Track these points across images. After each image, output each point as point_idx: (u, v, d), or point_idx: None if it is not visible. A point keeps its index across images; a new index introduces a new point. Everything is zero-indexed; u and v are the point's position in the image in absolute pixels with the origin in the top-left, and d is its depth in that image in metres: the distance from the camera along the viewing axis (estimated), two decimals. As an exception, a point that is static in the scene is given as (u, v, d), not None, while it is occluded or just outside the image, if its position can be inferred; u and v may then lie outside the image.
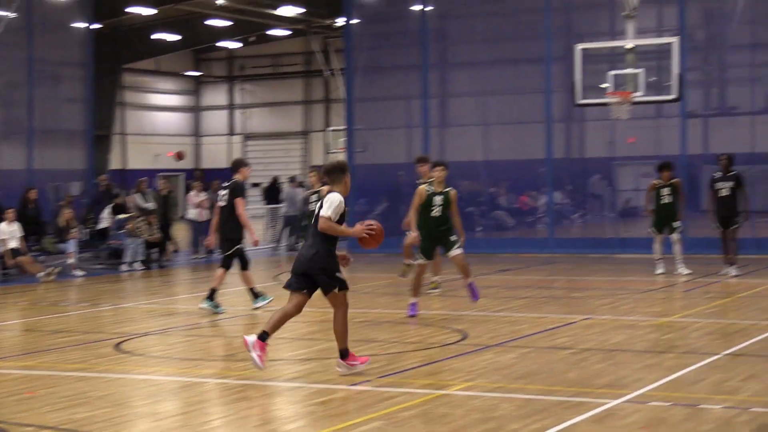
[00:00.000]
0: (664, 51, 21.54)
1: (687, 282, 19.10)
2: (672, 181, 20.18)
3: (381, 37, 29.57)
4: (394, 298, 17.76)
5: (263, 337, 10.88)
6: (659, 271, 20.28)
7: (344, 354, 10.90)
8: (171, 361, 12.18)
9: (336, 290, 10.83)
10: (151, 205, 25.36)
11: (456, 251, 15.02)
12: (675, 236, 20.20)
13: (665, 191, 20.14)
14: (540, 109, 26.58)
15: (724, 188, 19.77)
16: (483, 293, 17.63)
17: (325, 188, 11.09)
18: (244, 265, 16.28)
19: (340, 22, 38.49)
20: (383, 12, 29.60)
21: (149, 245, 24.64)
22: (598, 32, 27.83)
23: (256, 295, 16.31)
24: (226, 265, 16.13)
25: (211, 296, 16.03)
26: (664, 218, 20.23)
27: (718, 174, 19.92)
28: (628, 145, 27.82)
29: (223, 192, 16.12)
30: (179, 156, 50.96)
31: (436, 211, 15.06)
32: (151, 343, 13.63)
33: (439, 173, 15.03)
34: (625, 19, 21.46)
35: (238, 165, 16.30)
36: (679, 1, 25.30)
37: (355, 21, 29.10)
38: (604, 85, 21.90)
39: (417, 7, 28.31)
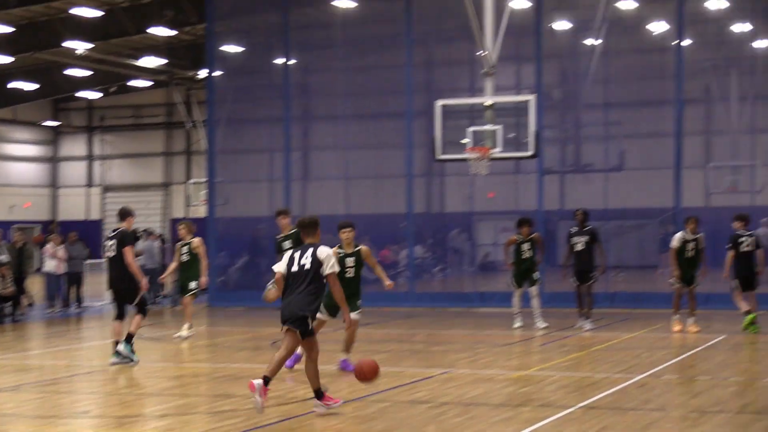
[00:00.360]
0: (521, 108, 21.99)
1: (543, 336, 19.45)
2: (532, 236, 20.59)
3: (244, 89, 29.58)
4: (253, 352, 17.64)
5: (266, 381, 11.40)
6: (517, 324, 20.58)
7: (319, 395, 11.65)
8: (23, 419, 11.86)
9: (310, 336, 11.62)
10: (4, 257, 24.73)
11: (355, 316, 14.96)
12: (534, 290, 20.58)
13: (525, 246, 20.54)
14: (401, 164, 26.89)
15: (580, 243, 20.26)
16: (340, 347, 17.66)
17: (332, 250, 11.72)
18: (121, 315, 16.02)
19: (203, 74, 38.39)
20: (246, 65, 29.64)
21: (2, 299, 24.01)
22: (459, 88, 28.38)
23: (118, 351, 15.93)
24: (143, 311, 16.00)
25: (128, 340, 15.78)
26: (524, 272, 20.59)
27: (575, 229, 20.41)
28: (487, 199, 28.33)
29: (110, 242, 15.94)
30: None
31: (348, 273, 15.06)
32: (2, 399, 13.24)
33: (347, 235, 15.01)
34: (484, 76, 21.91)
35: (125, 214, 16.17)
36: (536, 60, 25.97)
37: (217, 73, 29.07)
38: (463, 141, 22.25)
39: (280, 61, 28.43)
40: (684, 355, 15.91)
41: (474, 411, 11.82)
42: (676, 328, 19.11)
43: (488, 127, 21.79)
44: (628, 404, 12.18)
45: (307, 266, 11.51)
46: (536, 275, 20.59)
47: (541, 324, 20.35)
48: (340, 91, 28.40)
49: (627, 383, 13.54)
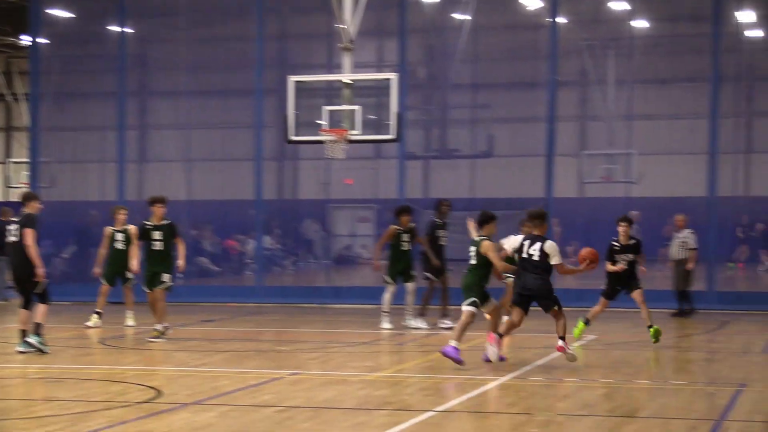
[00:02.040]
0: (383, 87, 22.08)
1: (401, 335, 19.62)
2: (411, 226, 20.53)
3: (73, 59, 29.05)
4: (79, 351, 17.39)
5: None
6: (386, 325, 20.28)
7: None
8: None
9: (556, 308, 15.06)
10: None
11: (159, 287, 17.30)
12: (411, 286, 20.53)
13: (405, 237, 20.46)
14: (249, 146, 26.77)
15: (444, 236, 20.45)
16: (181, 346, 17.58)
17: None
18: (27, 303, 16.58)
19: (26, 41, 37.52)
20: (77, 32, 29.09)
21: None
22: (314, 64, 28.40)
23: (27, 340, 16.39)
24: (45, 300, 16.62)
25: (37, 331, 16.39)
26: (402, 266, 20.49)
27: (439, 221, 20.58)
28: (344, 186, 28.42)
29: (14, 227, 16.43)
30: None
31: (157, 246, 17.89)
32: None
33: (158, 209, 17.76)
34: (342, 51, 21.97)
35: (29, 198, 16.79)
36: (399, 36, 26.13)
37: (43, 40, 28.46)
38: (319, 122, 22.26)
39: (115, 29, 28.00)
40: (551, 356, 16.24)
41: (325, 415, 11.88)
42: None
43: (346, 107, 21.85)
44: (491, 408, 12.40)
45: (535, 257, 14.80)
46: (414, 272, 20.58)
47: (413, 323, 20.36)
48: (183, 64, 28.12)
49: (490, 385, 13.77)
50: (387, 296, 20.51)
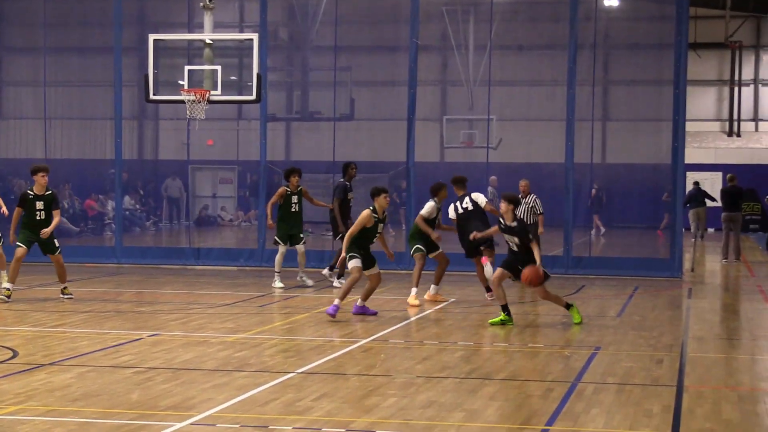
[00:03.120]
0: (244, 48, 21.89)
1: (263, 296, 19.61)
2: (300, 188, 20.77)
3: None
4: (-67, 312, 16.99)
5: None
6: (278, 284, 20.73)
7: None
8: None
9: None
10: None
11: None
12: (301, 247, 20.89)
13: (295, 199, 20.71)
14: (109, 104, 26.32)
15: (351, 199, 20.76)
16: (38, 307, 17.30)
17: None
18: None
19: None
20: (-74, -18, 28.25)
21: None
22: (175, 23, 28.00)
23: None
24: None
25: None
26: (291, 227, 20.72)
27: (349, 184, 20.81)
28: (206, 148, 28.19)
29: None
30: None
31: (39, 215, 17.98)
32: None
33: (40, 179, 17.86)
34: (203, 10, 21.71)
35: None
36: (261, -5, 25.91)
37: None
38: (180, 82, 22.01)
39: (-31, -19, 27.26)
40: (412, 319, 16.41)
41: (184, 376, 11.82)
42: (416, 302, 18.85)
43: (207, 66, 21.63)
44: (351, 369, 12.48)
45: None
46: (304, 234, 20.99)
47: (309, 282, 20.87)
48: (39, 19, 27.46)
49: (351, 347, 13.86)
50: (278, 257, 20.98)
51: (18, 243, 18.10)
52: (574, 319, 16.14)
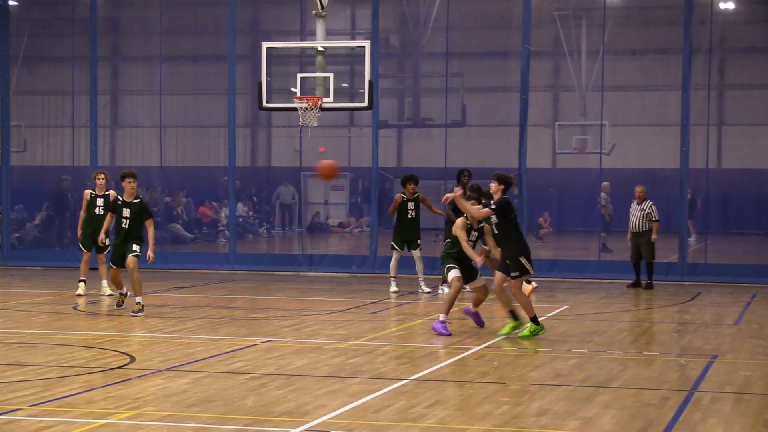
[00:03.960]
0: (356, 55, 22.00)
1: (375, 303, 19.65)
2: (417, 194, 20.89)
3: (44, 22, 28.81)
4: (52, 317, 17.33)
5: None
6: (393, 288, 20.92)
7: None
8: None
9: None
10: None
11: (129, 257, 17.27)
12: (417, 253, 21.00)
13: (411, 206, 20.87)
14: (223, 112, 26.64)
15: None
16: (154, 313, 17.52)
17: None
18: None
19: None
20: (47, -6, 28.88)
21: None
22: (288, 31, 28.26)
23: None
24: None
25: None
26: (408, 234, 20.84)
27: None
28: (317, 154, 28.34)
29: None
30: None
31: (125, 223, 17.45)
32: None
33: (127, 185, 17.42)
34: (315, 18, 21.87)
35: None
36: (372, 3, 26.00)
37: (12, 3, 28.20)
38: (292, 89, 22.18)
39: (86, -8, 27.74)
40: (526, 326, 16.28)
41: (298, 382, 11.88)
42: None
43: (319, 74, 21.78)
44: (465, 377, 12.43)
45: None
46: (420, 241, 21.05)
47: (425, 288, 20.92)
48: (155, 28, 27.89)
49: (464, 354, 13.82)
50: (393, 263, 21.17)
51: (113, 266, 17.66)
52: (504, 330, 15.37)
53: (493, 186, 15.41)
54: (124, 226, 17.51)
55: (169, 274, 24.38)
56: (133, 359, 13.13)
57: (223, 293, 21.66)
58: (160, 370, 12.41)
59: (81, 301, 19.24)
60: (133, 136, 28.51)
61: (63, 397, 10.88)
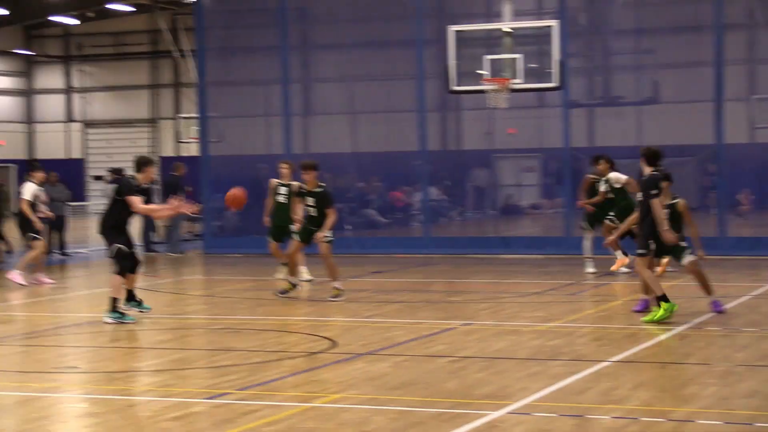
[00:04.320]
0: (544, 35, 21.89)
1: (572, 284, 19.48)
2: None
3: (236, 15, 29.38)
4: (255, 303, 17.74)
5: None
6: (590, 269, 20.53)
7: None
8: (4, 374, 11.97)
9: None
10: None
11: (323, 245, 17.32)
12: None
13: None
14: (412, 97, 26.79)
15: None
16: (352, 297, 17.75)
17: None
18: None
19: (191, -3, 38.15)
20: (239, -13, 29.44)
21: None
22: (474, 13, 28.19)
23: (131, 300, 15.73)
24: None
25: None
26: (599, 214, 20.32)
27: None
28: (508, 136, 28.25)
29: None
30: None
31: (312, 211, 17.44)
32: (-19, 354, 13.37)
33: (306, 176, 17.43)
34: (501, -1, 21.80)
35: (143, 164, 15.80)
36: (560, -19, 25.74)
37: (207, -4, 28.89)
38: (480, 71, 22.16)
39: (276, -17, 28.21)
40: (728, 306, 15.94)
41: (498, 365, 11.90)
42: None
43: (507, 55, 21.71)
44: (667, 358, 12.26)
45: None
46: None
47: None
48: (344, 16, 28.22)
49: (666, 335, 13.60)
50: (586, 243, 20.78)
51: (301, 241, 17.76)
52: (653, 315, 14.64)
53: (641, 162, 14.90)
54: (311, 214, 17.52)
55: (366, 259, 24.66)
56: (334, 344, 13.34)
57: (419, 277, 21.82)
58: (361, 354, 12.58)
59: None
60: (326, 124, 28.88)
61: (269, 381, 11.13)
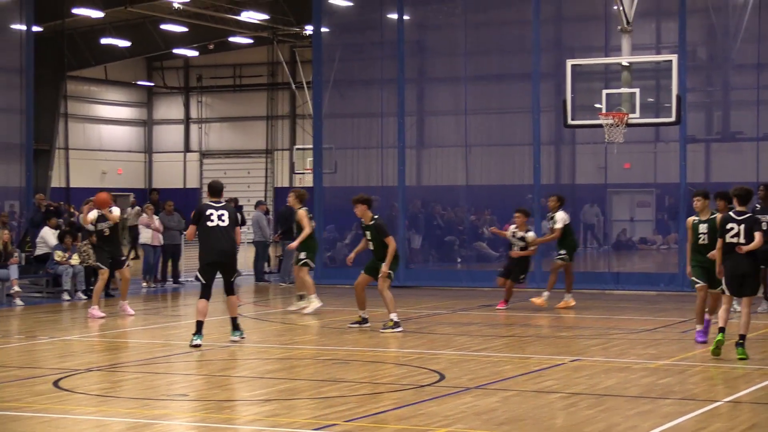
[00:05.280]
0: (662, 69, 21.68)
1: (684, 322, 19.17)
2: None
3: (353, 47, 29.66)
4: (363, 334, 17.77)
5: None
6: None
7: None
8: (117, 401, 12.15)
9: None
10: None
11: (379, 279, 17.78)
12: None
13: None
14: (527, 130, 26.69)
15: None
16: (463, 330, 17.68)
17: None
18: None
19: (309, 30, 38.60)
20: (356, 20, 29.69)
21: (94, 272, 24.52)
22: (591, 47, 28.02)
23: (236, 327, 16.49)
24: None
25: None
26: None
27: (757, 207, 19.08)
28: (622, 171, 27.99)
29: (220, 212, 16.28)
30: None
31: (371, 245, 17.96)
32: (94, 380, 13.58)
33: (357, 209, 17.93)
34: (620, 33, 21.64)
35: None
36: (679, 16, 25.50)
37: (324, 29, 29.19)
38: (597, 105, 22.01)
39: (393, 16, 28.41)
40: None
41: (608, 402, 11.75)
42: None
43: (625, 89, 21.53)
44: (782, 399, 11.99)
45: None
46: None
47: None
48: (460, 49, 28.26)
49: (781, 376, 13.31)
50: None
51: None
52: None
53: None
54: (370, 248, 18.18)
55: (477, 292, 24.59)
56: (442, 377, 13.30)
57: (528, 311, 21.66)
58: (469, 388, 12.52)
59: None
60: (439, 156, 28.92)
61: (376, 414, 11.13)
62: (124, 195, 48.22)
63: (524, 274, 21.71)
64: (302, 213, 20.79)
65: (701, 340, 16.20)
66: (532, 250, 21.60)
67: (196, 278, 16.49)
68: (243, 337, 16.43)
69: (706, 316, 16.37)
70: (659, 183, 28.19)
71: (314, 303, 20.49)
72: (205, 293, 16.09)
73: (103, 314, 20.13)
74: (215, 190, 16.45)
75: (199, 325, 15.97)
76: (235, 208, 18.11)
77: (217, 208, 16.18)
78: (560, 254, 21.40)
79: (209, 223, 16.05)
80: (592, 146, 26.73)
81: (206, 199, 16.72)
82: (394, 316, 17.74)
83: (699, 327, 16.42)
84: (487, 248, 28.96)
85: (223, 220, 16.11)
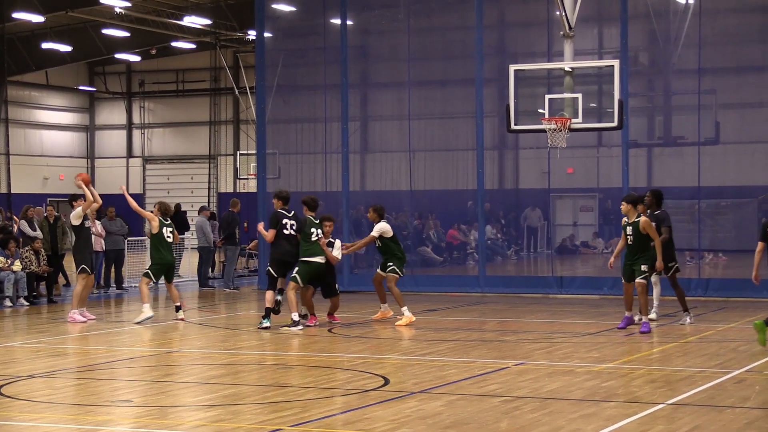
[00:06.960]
0: (604, 75, 21.78)
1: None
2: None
3: (296, 53, 29.60)
4: (308, 339, 17.75)
5: None
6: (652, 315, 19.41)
7: None
8: (60, 407, 12.04)
9: None
10: (38, 233, 25.15)
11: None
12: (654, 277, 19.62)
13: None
14: (470, 135, 26.78)
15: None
16: (407, 335, 17.72)
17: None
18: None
19: (252, 35, 38.51)
20: (299, 25, 29.64)
21: (37, 278, 24.33)
22: (534, 52, 28.16)
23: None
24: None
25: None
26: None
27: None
28: (565, 176, 28.16)
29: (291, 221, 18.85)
30: None
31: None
32: (37, 386, 13.46)
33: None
34: (563, 38, 21.77)
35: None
36: (621, 21, 25.71)
37: (267, 35, 29.12)
38: (540, 110, 22.11)
39: (336, 21, 28.38)
40: (785, 349, 15.72)
41: (552, 406, 11.81)
42: None
43: (567, 95, 21.65)
44: (724, 401, 12.10)
45: None
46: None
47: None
48: (403, 54, 28.31)
49: (723, 378, 13.44)
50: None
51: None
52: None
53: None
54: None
55: (420, 297, 24.62)
56: (387, 381, 13.32)
57: (473, 315, 21.74)
58: (414, 392, 12.54)
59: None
60: (383, 161, 28.95)
61: (321, 418, 11.12)
62: (65, 201, 47.86)
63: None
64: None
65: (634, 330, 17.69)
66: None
67: (267, 273, 18.87)
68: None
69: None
70: (602, 188, 28.38)
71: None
72: (273, 286, 18.70)
73: (84, 318, 20.03)
74: (286, 199, 19.07)
75: (268, 311, 18.61)
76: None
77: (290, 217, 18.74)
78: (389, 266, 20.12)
79: (285, 231, 18.59)
80: (535, 151, 26.87)
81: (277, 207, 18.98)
82: (294, 316, 18.70)
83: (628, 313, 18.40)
84: (431, 253, 29.05)
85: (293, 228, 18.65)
